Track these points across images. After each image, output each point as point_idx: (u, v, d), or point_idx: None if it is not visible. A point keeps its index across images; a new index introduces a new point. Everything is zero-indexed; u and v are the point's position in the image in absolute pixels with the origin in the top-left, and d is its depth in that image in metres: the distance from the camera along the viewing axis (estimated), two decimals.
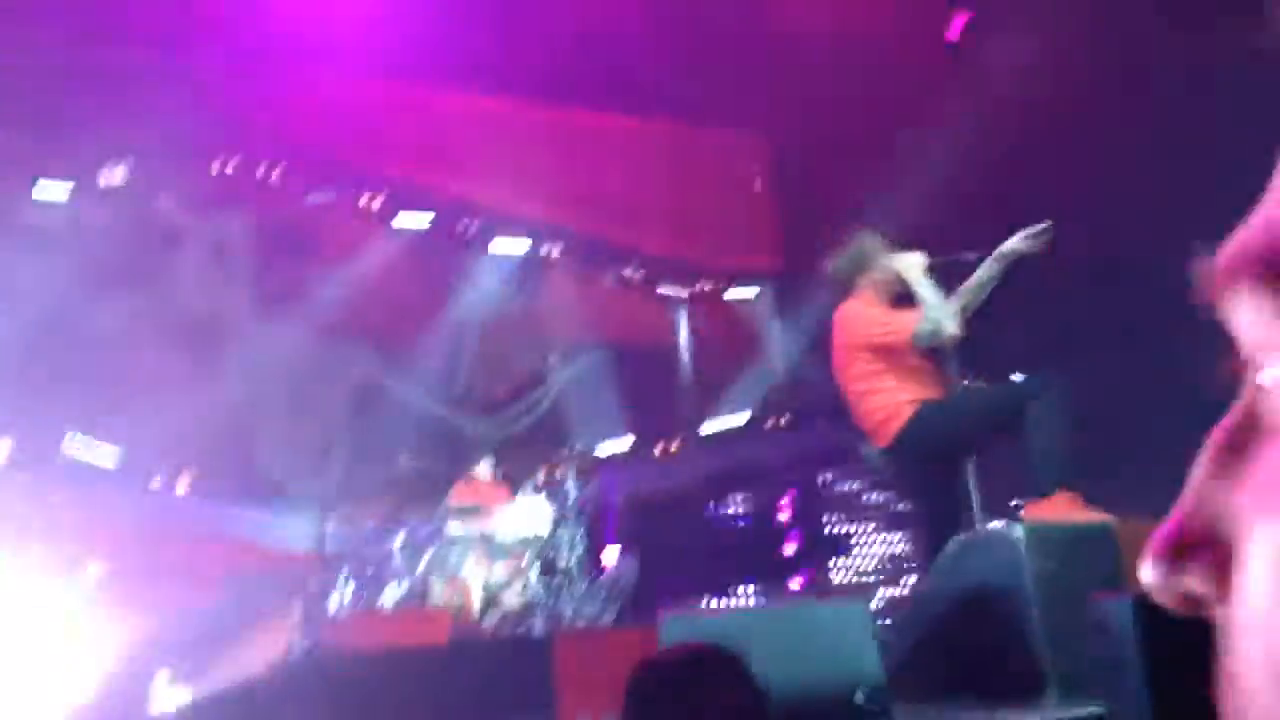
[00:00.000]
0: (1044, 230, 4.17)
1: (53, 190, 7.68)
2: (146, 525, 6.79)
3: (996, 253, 4.21)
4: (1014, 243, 4.18)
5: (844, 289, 4.54)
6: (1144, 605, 2.46)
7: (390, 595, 6.28)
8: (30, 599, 5.31)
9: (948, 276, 4.36)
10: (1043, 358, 4.35)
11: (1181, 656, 2.41)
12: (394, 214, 9.18)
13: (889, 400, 4.26)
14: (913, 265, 4.35)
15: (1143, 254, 5.69)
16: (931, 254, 4.40)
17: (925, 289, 4.27)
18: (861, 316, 4.40)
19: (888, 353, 4.30)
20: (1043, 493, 3.86)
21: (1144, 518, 3.84)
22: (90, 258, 7.54)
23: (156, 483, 7.20)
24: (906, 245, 4.47)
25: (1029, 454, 3.94)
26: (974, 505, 4.42)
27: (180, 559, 6.65)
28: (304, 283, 8.63)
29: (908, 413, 4.20)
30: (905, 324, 4.27)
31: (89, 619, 5.51)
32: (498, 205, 9.45)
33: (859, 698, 3.14)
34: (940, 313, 4.20)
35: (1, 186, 7.48)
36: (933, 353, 4.40)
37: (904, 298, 4.42)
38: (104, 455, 7.09)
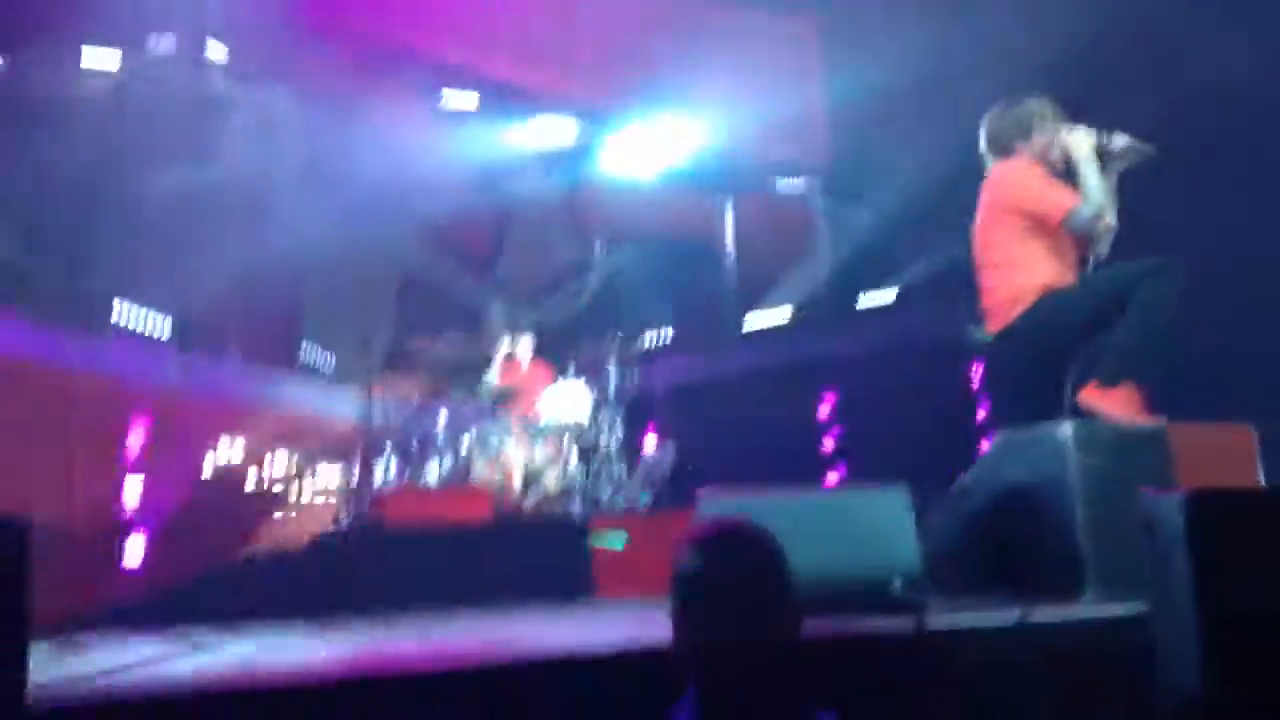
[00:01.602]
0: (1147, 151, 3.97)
1: (100, 58, 7.61)
2: (195, 391, 6.89)
3: (1138, 147, 3.97)
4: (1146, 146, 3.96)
5: (1001, 151, 4.18)
6: (1194, 502, 2.43)
7: (433, 471, 6.37)
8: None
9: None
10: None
11: (1228, 556, 2.40)
12: (440, 93, 9.05)
13: (1021, 281, 3.98)
14: (1082, 142, 4.00)
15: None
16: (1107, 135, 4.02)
17: (1091, 171, 3.94)
18: (1024, 178, 4.06)
19: (1040, 224, 3.98)
20: (1110, 381, 3.73)
21: (1199, 423, 3.80)
22: (138, 127, 7.53)
23: (205, 351, 7.28)
24: (1075, 119, 4.11)
25: (1115, 337, 3.76)
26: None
27: (228, 426, 6.75)
28: (351, 160, 8.58)
29: (1031, 300, 3.95)
30: (1064, 200, 3.95)
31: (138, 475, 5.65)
32: (546, 88, 9.29)
33: (895, 586, 3.16)
34: (1102, 199, 3.90)
35: (49, 54, 7.42)
36: (1080, 244, 4.07)
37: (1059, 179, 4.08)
38: (154, 324, 7.17)
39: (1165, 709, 2.39)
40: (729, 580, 1.73)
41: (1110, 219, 3.89)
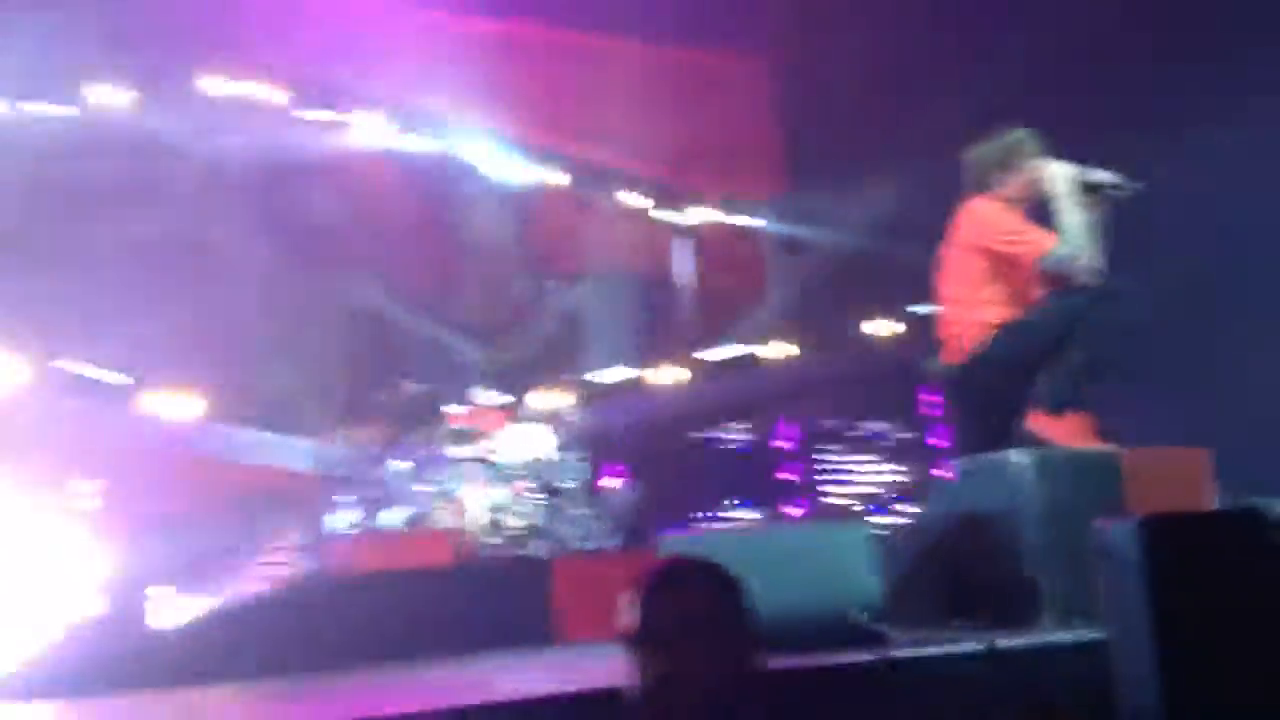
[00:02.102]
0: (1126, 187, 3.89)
1: (51, 108, 7.56)
2: (150, 444, 6.81)
3: (1121, 181, 3.87)
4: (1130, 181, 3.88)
5: (978, 184, 4.06)
6: (1147, 528, 2.45)
7: (392, 517, 6.31)
8: (29, 514, 5.33)
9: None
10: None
11: (1183, 580, 2.41)
12: (393, 136, 9.05)
13: (978, 319, 3.92)
14: (1064, 177, 3.86)
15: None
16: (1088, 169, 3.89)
17: (1070, 209, 3.81)
18: (993, 219, 3.95)
19: (1008, 266, 3.89)
20: (1057, 409, 3.74)
21: (1152, 449, 3.84)
22: (90, 176, 7.47)
23: (159, 403, 7.19)
24: (1059, 155, 3.98)
25: (1059, 363, 3.73)
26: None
27: (183, 478, 6.67)
28: (304, 206, 8.55)
29: (985, 334, 3.90)
30: (1040, 241, 3.82)
31: (89, 535, 5.54)
32: (498, 129, 9.32)
33: (855, 618, 3.15)
34: (1080, 239, 3.77)
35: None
36: (1052, 282, 3.94)
37: (1037, 215, 3.98)
38: (107, 375, 7.08)
39: None
40: (682, 618, 1.71)
41: (1089, 258, 3.79)
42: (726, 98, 9.81)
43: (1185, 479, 3.79)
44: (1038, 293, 4.03)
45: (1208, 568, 2.49)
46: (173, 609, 5.30)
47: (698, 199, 10.22)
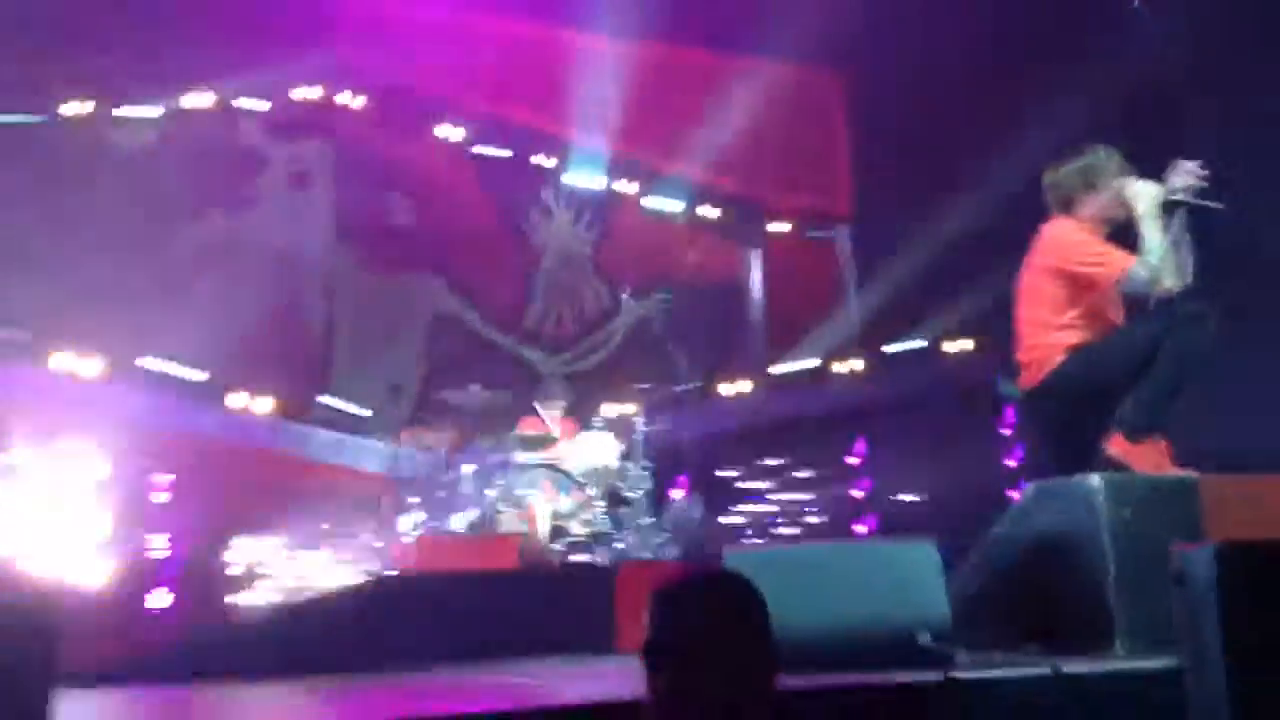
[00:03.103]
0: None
1: (140, 113, 7.78)
2: (226, 442, 6.96)
3: (1205, 202, 3.78)
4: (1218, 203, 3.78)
5: (1060, 204, 4.02)
6: (1224, 555, 2.39)
7: (459, 521, 6.38)
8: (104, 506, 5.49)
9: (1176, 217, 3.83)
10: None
11: (1260, 609, 2.35)
12: (471, 145, 9.17)
13: (1055, 342, 3.88)
14: (1147, 196, 3.80)
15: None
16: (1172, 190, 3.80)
17: (1152, 228, 3.74)
18: (1072, 240, 3.91)
19: (1086, 288, 3.85)
20: (1135, 436, 3.66)
21: (1231, 475, 3.74)
22: (175, 180, 7.67)
23: (237, 402, 7.35)
24: (1141, 172, 3.92)
25: (1140, 386, 3.66)
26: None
27: (257, 476, 6.80)
28: (383, 212, 8.70)
29: (1062, 357, 3.85)
30: (1119, 262, 3.78)
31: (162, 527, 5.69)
32: (574, 139, 9.40)
33: (923, 638, 3.12)
34: (1162, 259, 3.70)
35: (87, 109, 7.59)
36: (1133, 303, 3.93)
37: (1120, 235, 3.91)
38: (188, 374, 7.26)
39: None
40: (691, 631, 1.68)
41: (1169, 281, 3.72)
42: (802, 113, 9.79)
43: (1266, 506, 3.69)
44: (1118, 316, 3.98)
45: None
46: (244, 603, 5.40)
47: (773, 214, 10.20)
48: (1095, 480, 3.50)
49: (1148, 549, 3.26)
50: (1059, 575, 3.52)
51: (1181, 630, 2.47)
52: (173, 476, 6.03)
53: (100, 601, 4.68)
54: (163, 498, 5.98)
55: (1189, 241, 3.85)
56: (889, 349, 9.53)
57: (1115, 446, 3.68)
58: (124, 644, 4.21)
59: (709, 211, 10.01)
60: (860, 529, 8.68)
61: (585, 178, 9.63)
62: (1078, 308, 3.88)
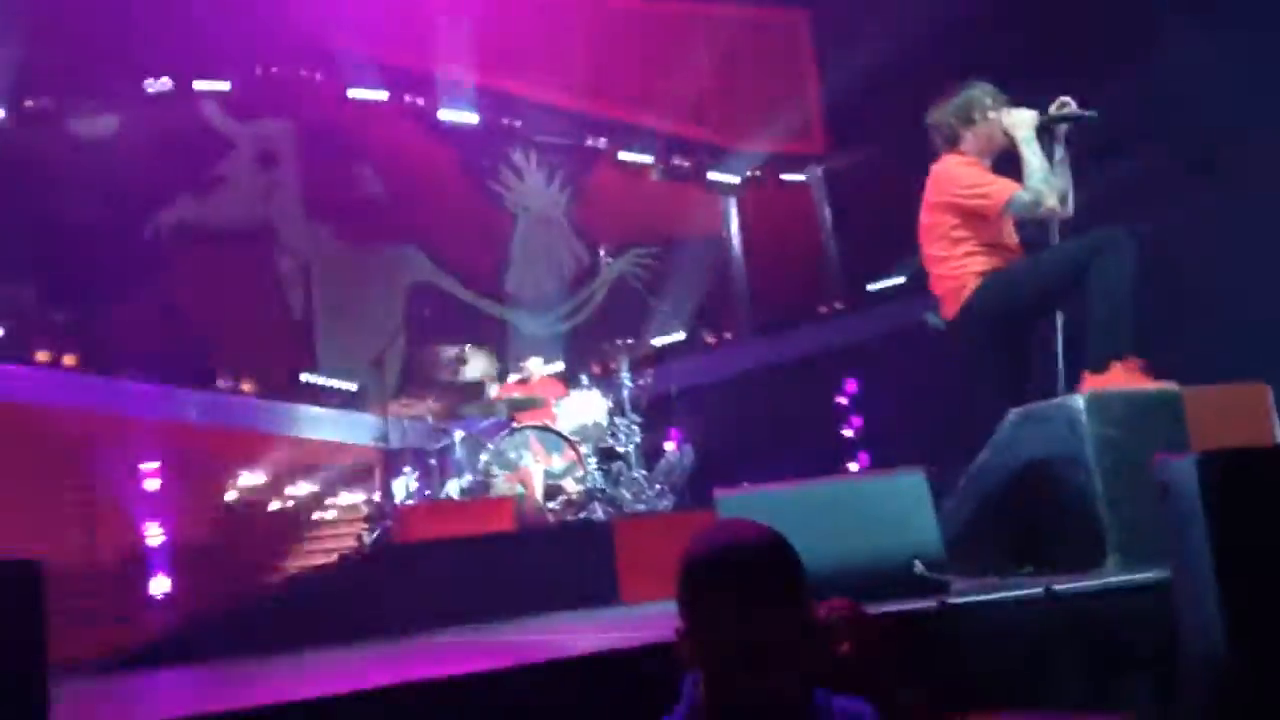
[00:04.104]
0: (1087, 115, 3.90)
1: (100, 105, 7.70)
2: (211, 426, 6.95)
3: (1079, 113, 3.89)
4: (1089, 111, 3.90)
5: (946, 142, 4.11)
6: (1207, 464, 2.41)
7: (453, 487, 6.41)
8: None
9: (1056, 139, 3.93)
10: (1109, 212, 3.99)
11: (1246, 517, 2.39)
12: (438, 111, 9.10)
13: (961, 270, 3.97)
14: (1022, 123, 3.90)
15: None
16: (1044, 112, 3.90)
17: (1032, 153, 3.85)
18: (955, 175, 4.01)
19: (977, 219, 3.95)
20: (1098, 366, 3.72)
21: (1211, 386, 3.78)
22: (140, 167, 7.61)
23: (222, 385, 7.34)
24: (1019, 101, 4.01)
25: (1089, 322, 3.72)
26: (1058, 375, 3.99)
27: (246, 457, 6.81)
28: (353, 185, 8.65)
29: (974, 284, 3.94)
30: (1002, 190, 3.88)
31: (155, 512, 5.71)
32: (542, 98, 9.34)
33: (917, 568, 3.16)
34: (1043, 182, 3.81)
35: (53, 98, 7.51)
36: (1026, 227, 4.05)
37: (1009, 162, 3.99)
38: (169, 359, 7.24)
39: (1190, 672, 2.38)
40: (739, 586, 1.67)
41: (1052, 201, 3.83)
42: (769, 56, 9.74)
43: (1248, 415, 3.73)
44: (1014, 241, 4.08)
45: (1271, 503, 2.45)
46: (244, 582, 5.44)
47: (745, 159, 10.17)
48: (1076, 400, 3.53)
49: (1134, 464, 3.29)
50: (1048, 497, 3.55)
51: (1169, 542, 2.51)
52: (159, 464, 6.03)
53: (97, 589, 4.71)
54: (153, 484, 5.99)
55: (1067, 166, 3.95)
56: (871, 287, 9.55)
57: (1086, 385, 3.70)
58: (125, 630, 4.24)
59: (681, 161, 9.98)
60: (852, 467, 8.75)
61: (555, 136, 9.58)
62: (974, 238, 3.98)
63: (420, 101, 9.01)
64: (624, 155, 9.80)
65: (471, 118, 9.23)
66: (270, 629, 4.44)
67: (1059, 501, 3.52)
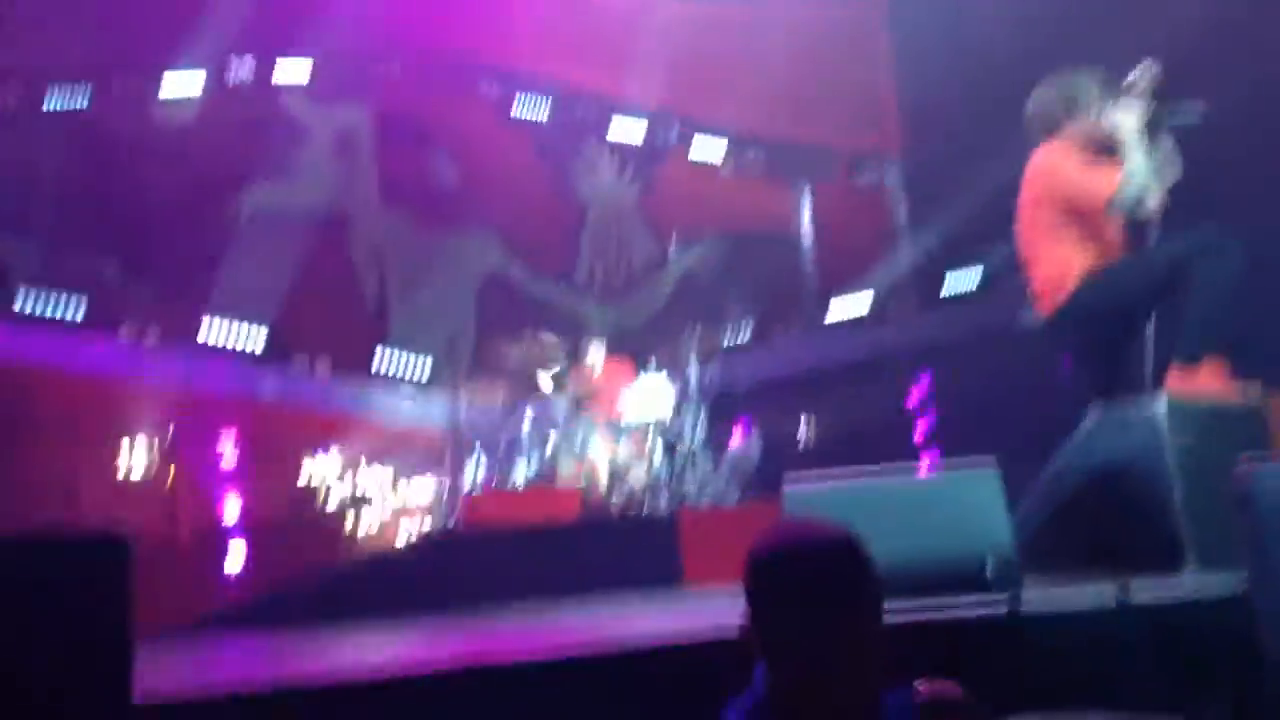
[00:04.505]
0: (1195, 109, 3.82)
1: (182, 83, 7.85)
2: (287, 404, 7.09)
3: (1187, 114, 3.81)
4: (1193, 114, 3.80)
5: (1046, 131, 4.02)
6: None
7: (520, 473, 6.46)
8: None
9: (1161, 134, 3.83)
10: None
11: None
12: (512, 103, 9.16)
13: (1061, 266, 3.88)
14: (1129, 118, 3.79)
15: None
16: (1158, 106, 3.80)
17: (1136, 149, 3.75)
18: (1056, 168, 3.92)
19: (1078, 214, 3.86)
20: (1188, 361, 3.64)
21: None
22: (221, 149, 7.77)
23: (297, 366, 7.48)
24: (1126, 92, 3.87)
25: (1185, 318, 3.64)
26: (1146, 376, 3.90)
27: (320, 436, 6.93)
28: (428, 173, 8.75)
29: (1074, 281, 3.85)
30: (1104, 185, 3.78)
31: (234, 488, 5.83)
32: (615, 91, 9.36)
33: (988, 568, 3.11)
34: (1145, 178, 3.72)
35: (131, 80, 7.68)
36: (1133, 224, 3.93)
37: (1110, 154, 3.87)
38: (246, 338, 7.39)
39: (1272, 683, 2.33)
40: (807, 585, 1.65)
41: (1153, 201, 3.73)
42: (845, 49, 9.64)
43: None
44: (1117, 236, 3.96)
45: None
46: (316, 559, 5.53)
47: (819, 155, 10.10)
48: (1157, 406, 3.47)
49: (1214, 472, 3.21)
50: (1125, 501, 3.49)
51: (1248, 552, 2.46)
52: (236, 438, 6.15)
53: (176, 560, 4.82)
54: (230, 460, 6.12)
55: (1174, 158, 3.85)
56: (943, 291, 9.42)
57: (1172, 381, 3.64)
58: (202, 600, 4.34)
59: (754, 156, 9.93)
60: (923, 464, 8.65)
61: (629, 130, 9.59)
62: (1074, 232, 3.88)
63: (496, 92, 9.06)
64: (695, 149, 9.78)
65: (545, 111, 9.27)
66: (336, 607, 4.50)
67: (1136, 507, 3.46)
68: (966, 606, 2.93)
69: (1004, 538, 3.17)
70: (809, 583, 1.61)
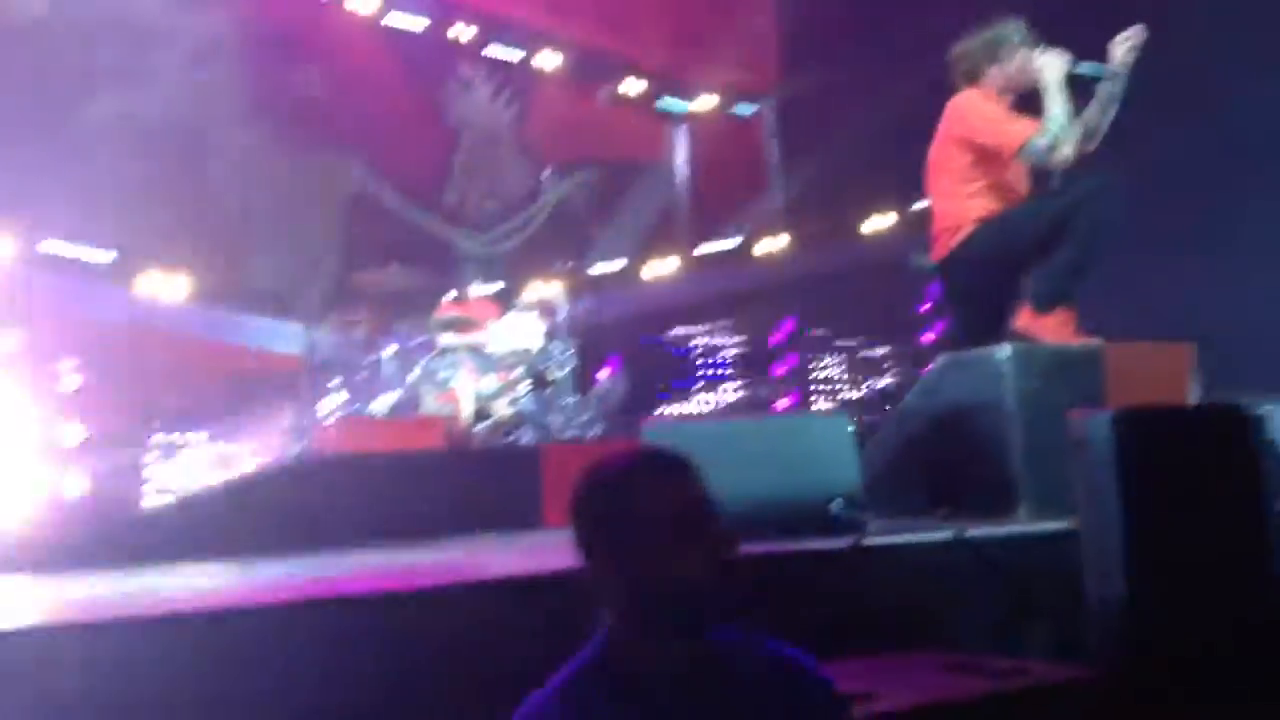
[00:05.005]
0: (1138, 34, 3.78)
1: None
2: (136, 326, 6.80)
3: (1109, 71, 3.79)
4: (1122, 56, 3.77)
5: (966, 77, 4.03)
6: (1122, 421, 2.46)
7: (382, 404, 6.35)
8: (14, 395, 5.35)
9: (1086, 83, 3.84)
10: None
11: (1154, 472, 2.44)
12: (385, 14, 8.84)
13: (963, 211, 3.92)
14: (1053, 66, 3.78)
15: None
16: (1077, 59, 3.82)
17: (1056, 99, 3.75)
18: (975, 110, 3.93)
19: (989, 158, 3.88)
20: (1042, 307, 3.76)
21: (1134, 343, 3.85)
22: (74, 56, 7.32)
23: (146, 285, 7.17)
24: (1051, 43, 3.90)
25: (1051, 260, 3.72)
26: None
27: (171, 360, 6.68)
28: (293, 86, 8.41)
29: (970, 227, 3.90)
30: (1019, 132, 3.80)
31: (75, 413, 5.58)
32: (493, 10, 9.13)
33: (835, 507, 3.20)
34: (1062, 129, 3.73)
35: None
36: (1040, 174, 4.00)
37: (1029, 104, 3.89)
38: (96, 255, 7.04)
39: (1092, 617, 2.45)
40: (668, 514, 1.63)
41: (1068, 150, 3.76)
42: None
43: (1168, 374, 3.80)
44: (1023, 187, 4.04)
45: (1180, 462, 2.51)
46: (164, 487, 5.36)
47: (697, 88, 10.06)
48: (1002, 351, 3.58)
49: (1052, 417, 3.34)
50: (967, 444, 3.61)
51: (1080, 494, 2.56)
52: (79, 362, 5.88)
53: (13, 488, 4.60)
54: (73, 384, 5.85)
55: (1111, 105, 3.87)
56: (810, 229, 9.56)
57: (1022, 319, 3.76)
58: (39, 531, 4.16)
59: (632, 87, 9.84)
60: (782, 403, 8.83)
61: (504, 51, 9.38)
62: (984, 178, 3.92)
63: (369, 5, 8.73)
64: (575, 76, 9.64)
65: (420, 22, 8.97)
66: (186, 538, 4.37)
67: (977, 448, 3.58)
68: (813, 543, 3.01)
69: (852, 479, 3.26)
70: (630, 501, 1.60)
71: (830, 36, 8.37)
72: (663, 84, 9.99)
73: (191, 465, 5.90)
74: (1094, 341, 3.73)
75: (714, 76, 9.93)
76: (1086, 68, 3.84)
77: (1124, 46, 3.79)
